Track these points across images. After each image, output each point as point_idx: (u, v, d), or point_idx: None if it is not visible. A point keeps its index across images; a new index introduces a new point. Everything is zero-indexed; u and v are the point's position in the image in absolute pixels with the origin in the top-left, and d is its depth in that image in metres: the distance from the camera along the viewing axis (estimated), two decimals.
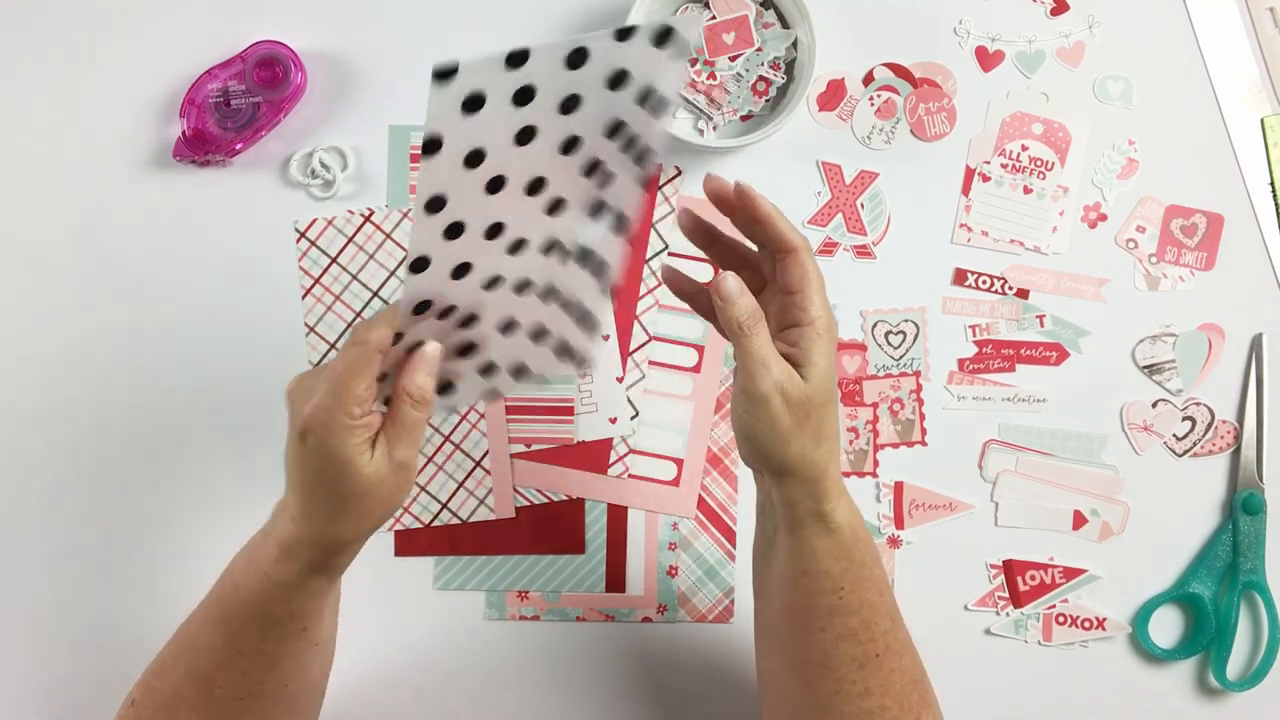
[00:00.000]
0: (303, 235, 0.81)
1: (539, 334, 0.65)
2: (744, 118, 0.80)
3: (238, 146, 0.80)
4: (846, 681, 0.59)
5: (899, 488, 0.80)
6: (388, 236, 0.81)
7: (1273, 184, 0.81)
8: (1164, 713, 0.79)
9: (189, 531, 0.80)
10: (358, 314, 0.81)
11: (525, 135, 0.58)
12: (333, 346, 0.81)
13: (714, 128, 0.80)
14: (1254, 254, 0.81)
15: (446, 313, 0.63)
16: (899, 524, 0.80)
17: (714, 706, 0.79)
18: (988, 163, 0.81)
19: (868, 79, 0.81)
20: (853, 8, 0.81)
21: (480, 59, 0.52)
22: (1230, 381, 0.80)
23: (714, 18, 0.79)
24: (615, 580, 0.80)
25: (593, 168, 0.59)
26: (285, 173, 0.81)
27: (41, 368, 0.80)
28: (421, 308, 0.62)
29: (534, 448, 0.80)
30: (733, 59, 0.79)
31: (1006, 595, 0.80)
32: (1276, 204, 0.81)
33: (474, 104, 0.55)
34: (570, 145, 0.59)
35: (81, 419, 0.80)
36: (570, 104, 0.57)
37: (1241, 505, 0.79)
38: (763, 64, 0.79)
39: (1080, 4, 0.82)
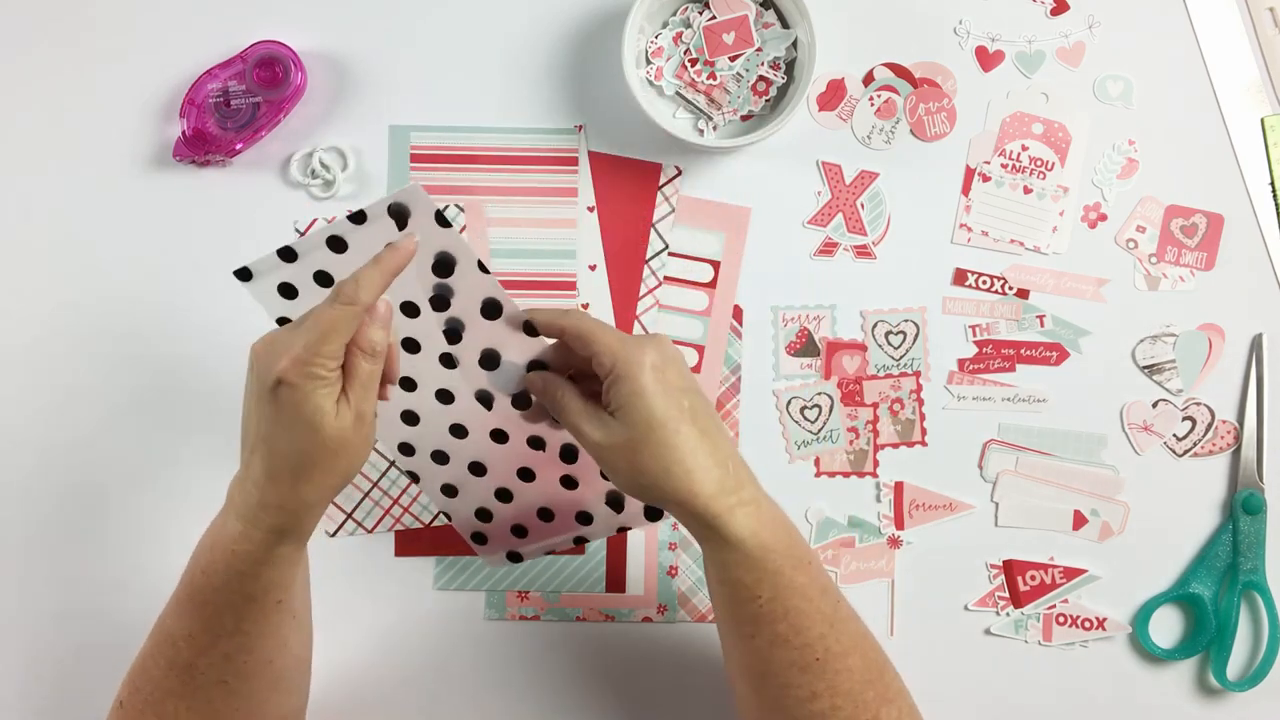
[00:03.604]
0: (303, 235, 0.81)
1: (567, 481, 0.72)
2: (744, 118, 0.80)
3: (238, 146, 0.80)
4: (791, 686, 0.60)
5: (899, 488, 0.80)
6: None
7: (1273, 184, 0.81)
8: (1164, 713, 0.79)
9: (187, 533, 0.79)
10: None
11: None
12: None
13: (714, 128, 0.80)
14: (1254, 254, 0.81)
15: (441, 459, 0.72)
16: (899, 524, 0.80)
17: (714, 706, 0.79)
18: (988, 163, 0.81)
19: (868, 79, 0.81)
20: (853, 8, 0.81)
21: (262, 258, 0.63)
22: (1230, 381, 0.80)
23: (714, 18, 0.79)
24: (615, 580, 0.80)
25: (448, 331, 0.66)
26: (285, 173, 0.81)
27: (41, 367, 0.80)
28: (405, 449, 0.72)
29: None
30: (733, 59, 0.79)
31: (1006, 595, 0.80)
32: (1276, 204, 0.81)
33: (287, 290, 0.65)
34: (410, 310, 0.65)
35: (81, 418, 0.80)
36: None
37: (1241, 505, 0.79)
38: (763, 64, 0.79)
39: (1080, 4, 0.82)
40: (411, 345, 0.66)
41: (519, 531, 0.75)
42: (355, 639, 0.79)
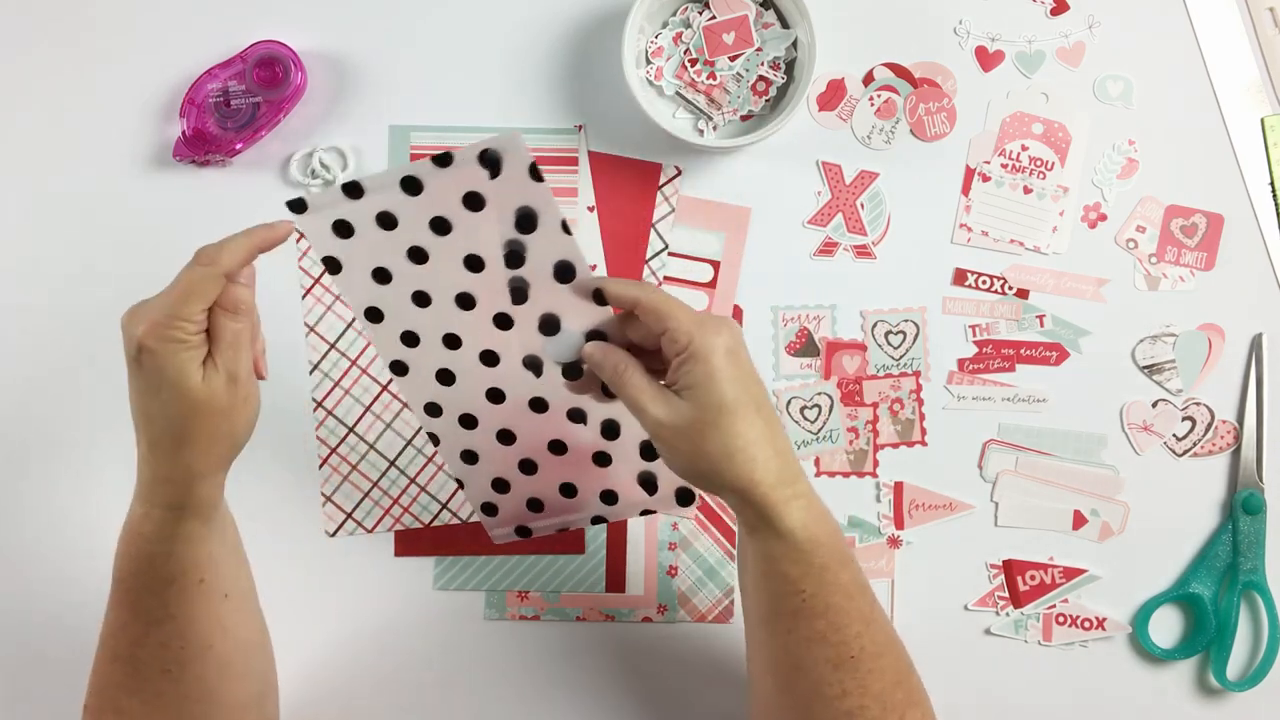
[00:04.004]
0: (303, 236, 0.81)
1: (600, 458, 0.70)
2: (744, 118, 0.80)
3: (238, 146, 0.80)
4: (823, 683, 0.59)
5: (899, 488, 0.80)
6: None
7: (1273, 184, 0.81)
8: (1164, 713, 0.79)
9: None
10: None
11: (417, 255, 0.63)
12: (332, 346, 0.81)
13: (714, 128, 0.80)
14: (1254, 254, 0.81)
15: (470, 422, 0.69)
16: (899, 524, 0.80)
17: (714, 706, 0.79)
18: (988, 163, 0.81)
19: (868, 79, 0.81)
20: (853, 8, 0.81)
21: (323, 191, 0.60)
22: (1230, 381, 0.80)
23: (714, 18, 0.79)
24: (615, 580, 0.80)
25: (514, 290, 0.63)
26: (285, 173, 0.81)
27: (41, 367, 0.80)
28: (432, 410, 0.69)
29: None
30: (733, 59, 0.79)
31: (1006, 595, 0.80)
32: (1276, 204, 0.81)
33: (343, 229, 0.62)
34: (473, 264, 0.63)
35: (81, 418, 0.80)
36: (440, 226, 0.62)
37: (1241, 505, 0.79)
38: (763, 64, 0.79)
39: (1080, 4, 0.82)
40: (466, 301, 0.64)
41: (535, 505, 0.73)
42: (355, 639, 0.79)
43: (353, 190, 0.60)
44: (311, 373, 0.81)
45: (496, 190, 0.59)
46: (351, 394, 0.80)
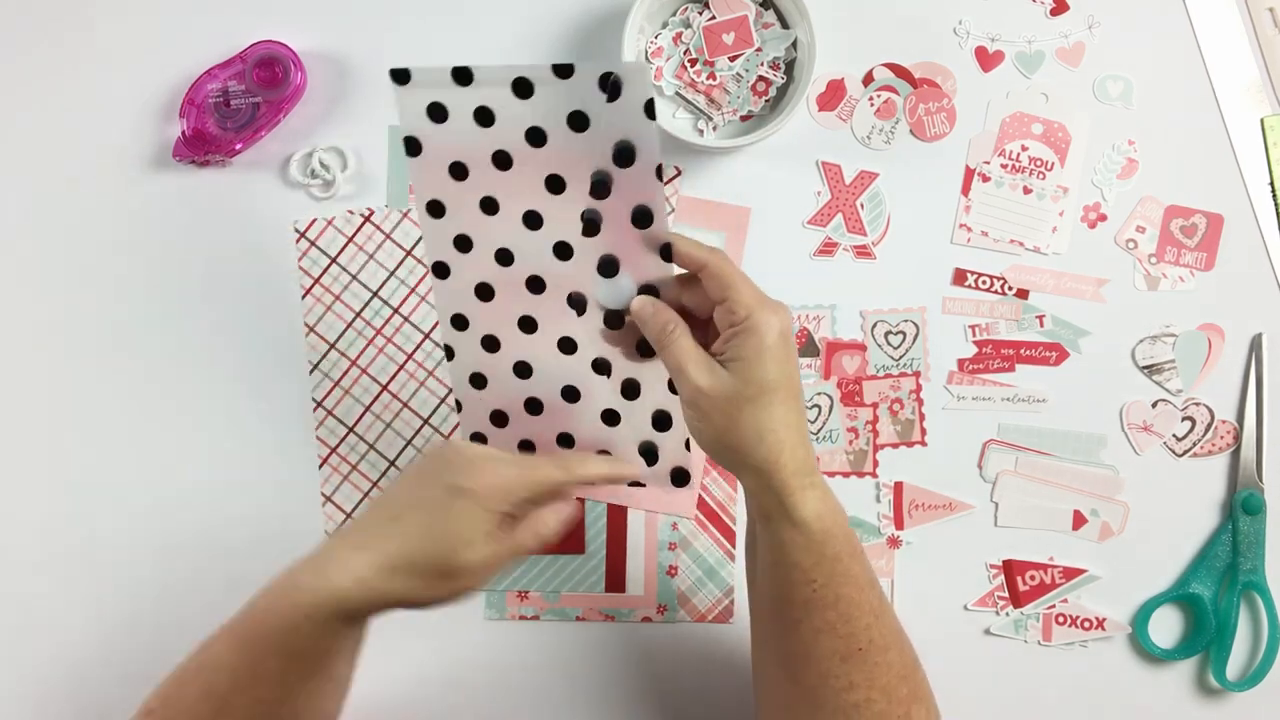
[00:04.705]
0: (302, 235, 0.81)
1: (609, 416, 0.68)
2: (744, 118, 0.80)
3: (238, 146, 0.80)
4: (830, 675, 0.60)
5: (899, 488, 0.80)
6: (387, 236, 0.81)
7: (1273, 184, 0.81)
8: (1164, 713, 0.79)
9: (183, 527, 0.80)
10: (357, 313, 0.81)
11: (502, 160, 0.61)
12: (332, 346, 0.81)
13: (714, 128, 0.80)
14: (1254, 254, 0.81)
15: (492, 345, 0.67)
16: (899, 524, 0.80)
17: (714, 706, 0.79)
18: (987, 163, 0.81)
19: (868, 79, 0.81)
20: (853, 8, 0.81)
21: (430, 68, 0.57)
22: (1230, 381, 0.80)
23: (714, 18, 0.79)
24: (615, 580, 0.80)
25: (587, 221, 0.61)
26: (285, 173, 0.81)
27: (40, 367, 0.80)
28: (458, 322, 0.66)
29: None
30: (733, 59, 0.79)
31: (1006, 595, 0.80)
32: (1276, 204, 0.81)
33: (438, 113, 0.60)
34: (554, 185, 0.61)
35: (81, 418, 0.80)
36: (536, 137, 0.60)
37: (1241, 505, 0.79)
38: (763, 64, 0.79)
39: (1080, 4, 0.82)
40: (533, 221, 0.62)
41: (526, 447, 0.70)
42: None
43: (462, 76, 0.58)
44: (311, 373, 0.81)
45: (606, 116, 0.58)
46: (351, 394, 0.80)
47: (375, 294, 0.81)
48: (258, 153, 0.81)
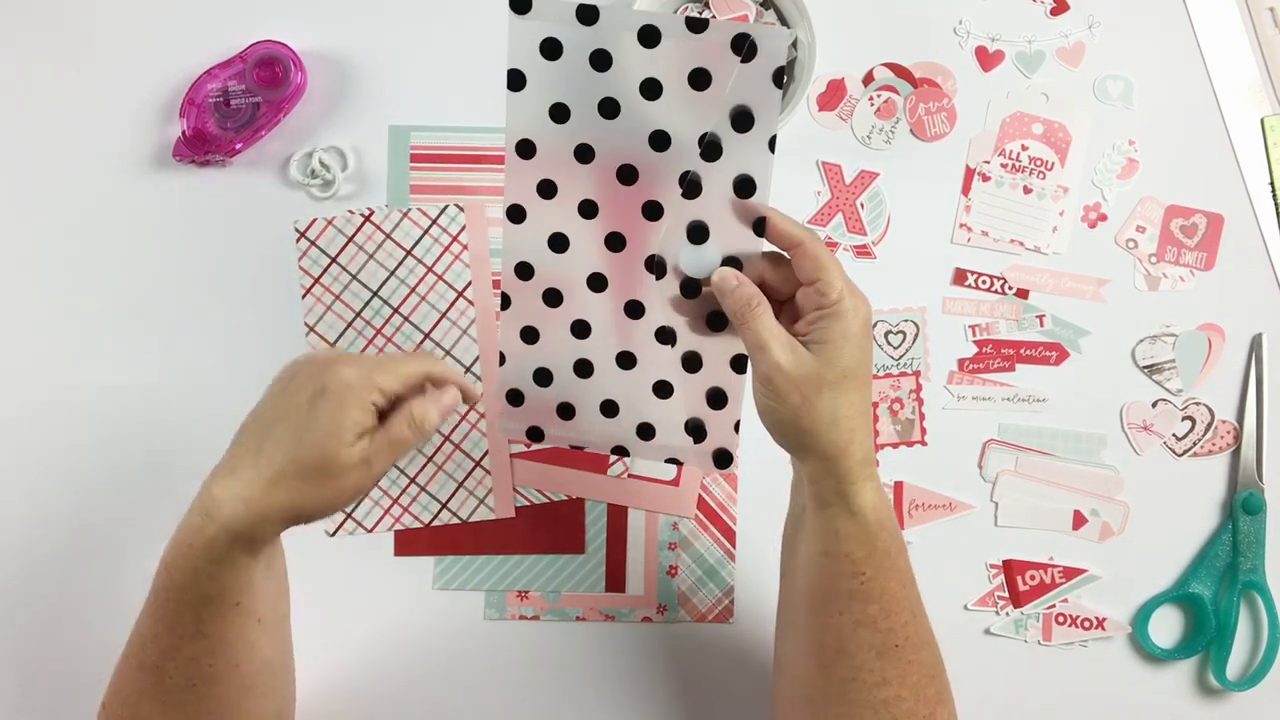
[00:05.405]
0: (302, 235, 0.81)
1: (662, 388, 0.66)
2: None
3: (238, 146, 0.80)
4: (864, 669, 0.60)
5: (899, 488, 0.80)
6: (388, 236, 0.81)
7: (1273, 184, 0.81)
8: (1164, 713, 0.79)
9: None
10: (357, 313, 0.81)
11: (609, 108, 0.60)
12: (332, 346, 0.80)
13: None
14: (1254, 254, 0.81)
15: (554, 299, 0.65)
16: (899, 524, 0.80)
17: (714, 706, 0.79)
18: (988, 162, 0.81)
19: (868, 79, 0.81)
20: (853, 8, 0.81)
21: (553, 2, 0.57)
22: (1230, 381, 0.80)
23: (714, 17, 0.79)
24: (615, 580, 0.80)
25: (688, 182, 0.60)
26: (285, 173, 0.81)
27: (40, 368, 0.80)
28: (523, 271, 0.64)
29: (534, 447, 0.80)
30: None
31: (1006, 595, 0.80)
32: (1276, 204, 0.81)
33: (552, 49, 0.58)
34: (660, 141, 0.59)
35: (80, 419, 0.80)
36: (651, 89, 0.59)
37: (1241, 505, 0.79)
38: None
39: (1080, 4, 0.82)
40: (627, 175, 0.61)
41: (565, 411, 0.67)
42: (355, 639, 0.79)
43: (586, 15, 0.57)
44: None
45: (733, 77, 0.57)
46: None
47: (375, 294, 0.81)
48: (258, 153, 0.81)
